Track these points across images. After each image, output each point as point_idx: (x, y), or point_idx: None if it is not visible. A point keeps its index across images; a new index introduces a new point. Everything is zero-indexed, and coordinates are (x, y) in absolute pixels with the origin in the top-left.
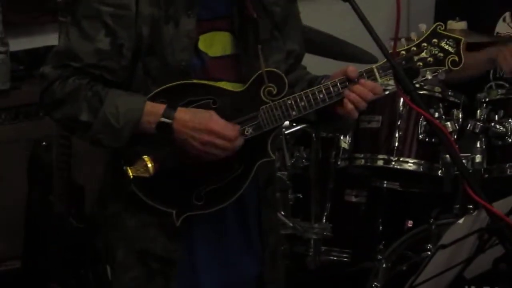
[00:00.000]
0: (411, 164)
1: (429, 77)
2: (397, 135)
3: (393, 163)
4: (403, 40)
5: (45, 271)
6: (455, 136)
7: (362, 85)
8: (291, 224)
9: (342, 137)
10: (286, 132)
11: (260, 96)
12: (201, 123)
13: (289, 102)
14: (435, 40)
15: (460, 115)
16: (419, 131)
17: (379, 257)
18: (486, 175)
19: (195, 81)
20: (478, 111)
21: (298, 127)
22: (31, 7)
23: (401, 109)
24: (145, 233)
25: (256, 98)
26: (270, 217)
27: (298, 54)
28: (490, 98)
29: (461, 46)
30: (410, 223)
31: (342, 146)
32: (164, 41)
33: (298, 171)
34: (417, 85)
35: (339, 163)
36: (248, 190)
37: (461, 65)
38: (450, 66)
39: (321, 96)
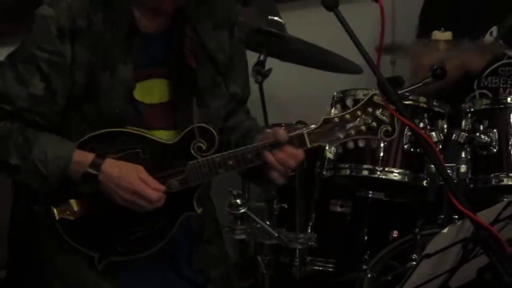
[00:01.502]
0: (396, 174)
1: (361, 145)
2: (382, 145)
3: (378, 173)
4: (338, 106)
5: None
6: (440, 146)
7: (284, 152)
8: (276, 234)
9: (327, 147)
10: None
11: (189, 150)
12: (126, 181)
13: (217, 160)
14: (369, 109)
15: (445, 125)
16: (404, 141)
17: (364, 267)
18: (471, 185)
19: (127, 129)
20: (463, 121)
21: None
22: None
23: None
24: (78, 272)
25: (185, 152)
26: (208, 253)
27: (240, 97)
28: (475, 108)
29: (395, 117)
30: (395, 233)
31: (327, 156)
32: (99, 88)
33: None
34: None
35: (324, 173)
36: (179, 234)
37: (394, 136)
38: (382, 136)
39: (249, 156)
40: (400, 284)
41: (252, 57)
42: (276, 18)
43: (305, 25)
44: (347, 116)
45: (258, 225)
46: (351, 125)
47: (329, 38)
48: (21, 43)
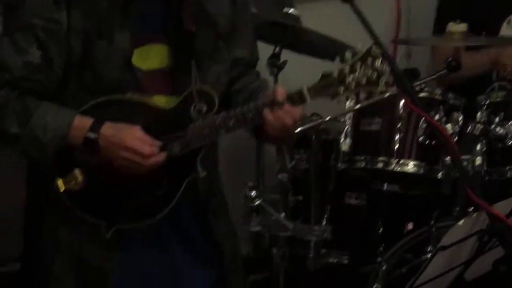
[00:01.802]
0: (411, 167)
1: (353, 99)
2: (397, 137)
3: (393, 165)
4: (337, 59)
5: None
6: (456, 139)
7: (284, 111)
8: (291, 227)
9: (342, 140)
10: None
11: (189, 114)
12: (120, 138)
13: (218, 121)
14: (369, 60)
15: (461, 118)
16: (419, 134)
17: (379, 259)
18: (486, 177)
19: (127, 96)
20: (479, 113)
21: (298, 130)
22: None
23: (401, 111)
24: (80, 243)
25: (185, 115)
26: (221, 225)
27: (248, 61)
28: (490, 100)
29: (395, 67)
30: (410, 226)
31: (342, 148)
32: (97, 57)
33: (298, 174)
34: (418, 88)
35: (339, 165)
36: (186, 203)
37: (394, 86)
38: (383, 88)
39: (250, 115)
40: (416, 276)
41: (267, 49)
42: (291, 10)
43: (320, 17)
44: (346, 69)
45: (273, 217)
46: (350, 78)
47: (344, 30)
48: (15, 11)
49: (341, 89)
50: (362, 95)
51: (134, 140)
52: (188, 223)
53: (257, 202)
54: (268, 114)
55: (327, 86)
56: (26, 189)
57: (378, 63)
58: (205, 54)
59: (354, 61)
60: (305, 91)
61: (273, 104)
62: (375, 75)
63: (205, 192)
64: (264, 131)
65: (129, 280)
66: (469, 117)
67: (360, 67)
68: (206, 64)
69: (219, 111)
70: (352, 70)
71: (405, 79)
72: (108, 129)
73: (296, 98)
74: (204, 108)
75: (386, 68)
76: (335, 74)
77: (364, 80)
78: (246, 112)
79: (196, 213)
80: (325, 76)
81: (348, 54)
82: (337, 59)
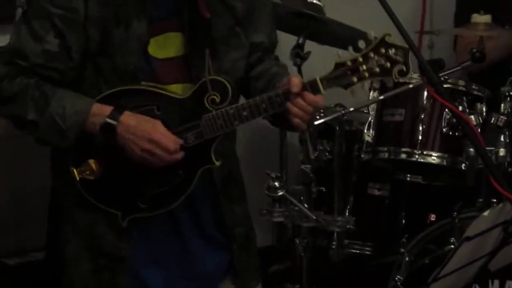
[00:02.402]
0: (435, 158)
1: (376, 86)
2: (420, 128)
3: (417, 156)
4: (350, 48)
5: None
6: (479, 130)
7: (303, 98)
8: (314, 217)
9: (366, 130)
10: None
11: (203, 104)
12: (144, 130)
13: (231, 111)
14: (382, 49)
15: (484, 109)
16: (443, 124)
17: (402, 250)
18: (510, 169)
19: (142, 85)
20: (502, 104)
21: (321, 120)
22: None
23: (424, 102)
24: (95, 230)
25: (199, 105)
26: (233, 212)
27: (267, 46)
28: None
29: (409, 56)
30: (433, 217)
31: (366, 139)
32: (114, 44)
33: (321, 165)
34: (442, 79)
35: (362, 156)
36: (201, 190)
37: (408, 75)
38: (397, 76)
39: (264, 106)
40: (440, 266)
41: (291, 40)
42: (314, 0)
43: (344, 7)
44: (360, 58)
45: (296, 208)
46: (364, 67)
47: (367, 21)
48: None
49: (355, 78)
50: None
51: (159, 134)
52: (201, 209)
53: (280, 193)
54: (288, 105)
55: (340, 76)
56: (51, 174)
57: (391, 52)
58: (221, 40)
59: (367, 50)
60: (318, 81)
61: (288, 94)
62: (388, 64)
63: (220, 180)
64: (283, 119)
65: (144, 266)
66: (493, 108)
67: (374, 56)
68: (222, 51)
69: (236, 99)
70: (366, 59)
71: (430, 70)
72: (129, 118)
73: (310, 88)
74: (218, 99)
75: (400, 57)
76: (349, 63)
77: (377, 70)
78: (260, 103)
79: (210, 199)
80: (339, 66)
81: (361, 43)
82: (351, 49)
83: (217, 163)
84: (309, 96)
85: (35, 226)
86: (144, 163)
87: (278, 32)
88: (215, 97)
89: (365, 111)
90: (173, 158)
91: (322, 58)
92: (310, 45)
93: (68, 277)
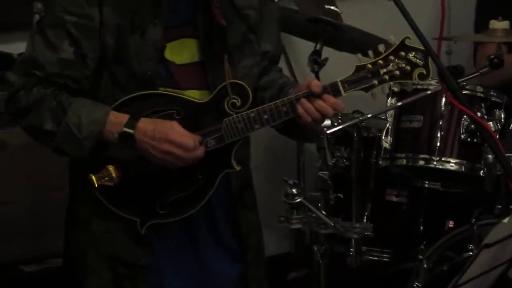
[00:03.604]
0: (453, 164)
1: (396, 90)
2: (438, 134)
3: (435, 163)
4: (370, 52)
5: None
6: (497, 136)
7: (324, 101)
8: (332, 224)
9: (383, 137)
10: (328, 132)
11: (224, 108)
12: (161, 132)
13: (252, 115)
14: (402, 52)
15: (502, 115)
16: (461, 131)
17: (420, 257)
18: None
19: (160, 90)
20: None
21: (339, 127)
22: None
23: (443, 108)
24: (112, 238)
25: (220, 109)
26: (248, 219)
27: (273, 55)
28: None
29: (429, 59)
30: (451, 224)
31: (383, 145)
32: (130, 51)
33: (339, 171)
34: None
35: (380, 162)
36: (218, 196)
37: (428, 78)
38: (417, 79)
39: (284, 109)
40: (460, 273)
41: (308, 46)
42: (332, 7)
43: (361, 14)
44: (380, 61)
45: (314, 215)
46: (384, 70)
47: (385, 27)
48: (47, 8)
49: (375, 81)
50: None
51: (176, 133)
52: (219, 216)
53: (298, 200)
54: (307, 105)
55: (361, 79)
56: (69, 182)
57: (411, 55)
58: (236, 47)
59: (388, 53)
60: (339, 84)
61: (309, 97)
62: (409, 67)
63: (237, 186)
64: (295, 126)
65: (162, 274)
66: (511, 115)
67: (394, 59)
68: (237, 58)
69: (252, 107)
70: (386, 62)
71: (449, 76)
72: (146, 123)
73: (331, 90)
74: (238, 102)
75: (420, 61)
76: (369, 66)
77: (398, 73)
78: (281, 106)
79: (227, 207)
80: (359, 69)
81: (381, 47)
82: (371, 52)
83: (237, 168)
84: (330, 98)
85: (54, 232)
86: (166, 166)
87: (296, 39)
88: (235, 100)
89: (383, 118)
90: (194, 155)
91: (340, 64)
92: (327, 52)
93: (87, 286)
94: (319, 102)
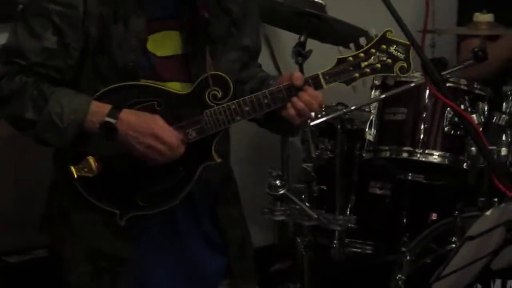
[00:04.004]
0: (436, 157)
1: (377, 83)
2: (422, 127)
3: (418, 155)
4: (351, 45)
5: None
6: (481, 129)
7: (308, 94)
8: (315, 216)
9: (367, 129)
10: (311, 123)
11: (204, 99)
12: (145, 126)
13: (233, 107)
14: (383, 46)
15: (486, 108)
16: (445, 123)
17: (403, 249)
18: (511, 168)
19: (142, 82)
20: (504, 103)
21: (323, 119)
22: None
23: (426, 101)
24: (93, 231)
25: (201, 101)
26: (229, 214)
27: (253, 51)
28: None
29: (410, 53)
30: (434, 216)
31: (367, 138)
32: (113, 41)
33: (322, 163)
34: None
35: (363, 155)
36: (199, 189)
37: (410, 71)
38: (398, 73)
39: (266, 101)
40: (443, 265)
41: (292, 38)
42: None
43: (345, 6)
44: (361, 54)
45: (298, 207)
46: (366, 63)
47: (369, 19)
48: None
49: (357, 74)
50: (391, 82)
51: (161, 129)
52: (200, 210)
53: (282, 191)
54: (294, 99)
55: (342, 71)
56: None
57: (393, 49)
58: (219, 40)
59: (369, 46)
60: (320, 76)
61: (290, 89)
62: (390, 60)
63: (217, 180)
64: (274, 119)
65: (144, 267)
66: (495, 108)
67: (375, 53)
68: (220, 51)
69: (233, 99)
70: (367, 55)
71: (433, 68)
72: (129, 115)
73: (312, 83)
74: (219, 94)
75: (401, 54)
76: (350, 59)
77: (379, 66)
78: (262, 98)
79: (208, 200)
80: (340, 61)
81: (362, 40)
82: (352, 45)
83: (218, 160)
84: (311, 90)
85: (37, 224)
86: (146, 159)
87: (280, 31)
88: (216, 92)
89: (367, 110)
90: (176, 153)
91: (324, 56)
92: (311, 44)
93: (67, 280)
94: (304, 95)
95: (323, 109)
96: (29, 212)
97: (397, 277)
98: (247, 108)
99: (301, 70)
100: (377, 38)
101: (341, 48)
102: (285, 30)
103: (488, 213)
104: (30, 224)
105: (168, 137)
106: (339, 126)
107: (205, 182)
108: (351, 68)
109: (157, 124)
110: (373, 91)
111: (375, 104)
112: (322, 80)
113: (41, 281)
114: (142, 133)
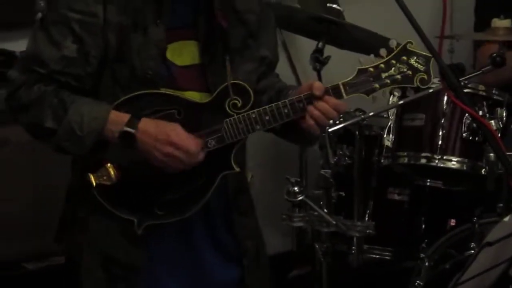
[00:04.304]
0: (455, 163)
1: (397, 94)
2: (440, 133)
3: (437, 161)
4: (372, 56)
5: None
6: (499, 135)
7: (326, 102)
8: (333, 222)
9: (385, 135)
10: (329, 130)
11: (225, 108)
12: (164, 134)
13: (253, 116)
14: (404, 57)
15: (504, 114)
16: (463, 129)
17: (422, 255)
18: None
19: (161, 90)
20: None
21: (341, 125)
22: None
23: (445, 107)
24: (109, 239)
25: (221, 110)
26: (245, 224)
27: (270, 61)
28: None
29: (430, 64)
30: (453, 222)
31: (385, 144)
32: (132, 50)
33: (341, 169)
34: (462, 83)
35: (382, 161)
36: (215, 199)
37: (430, 83)
38: (418, 84)
39: (286, 111)
40: (461, 272)
41: (310, 44)
42: (334, 5)
43: (363, 12)
44: (382, 65)
45: (316, 213)
46: (386, 74)
47: (387, 25)
48: (50, 5)
49: (377, 85)
50: (410, 93)
51: (179, 137)
52: (216, 220)
53: (300, 198)
54: (310, 108)
55: (362, 82)
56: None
57: (413, 60)
58: (236, 51)
59: (390, 57)
60: (341, 86)
61: (310, 99)
62: (410, 72)
63: (233, 190)
64: (292, 128)
65: (158, 277)
66: None
67: (396, 64)
68: (237, 62)
69: (252, 108)
70: (388, 66)
71: (451, 74)
72: (148, 124)
73: (333, 93)
74: (240, 103)
75: (421, 66)
76: (371, 69)
77: (399, 77)
78: (282, 107)
79: (224, 210)
80: (361, 72)
81: (383, 51)
82: (372, 56)
83: (237, 169)
84: (332, 100)
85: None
86: (165, 168)
87: (298, 37)
88: (236, 101)
89: (385, 116)
90: (195, 160)
91: (342, 62)
92: (329, 50)
93: (84, 286)
94: (323, 105)
95: (341, 115)
96: (48, 218)
97: (416, 283)
98: (267, 117)
99: (319, 77)
100: (398, 49)
101: (361, 58)
102: (303, 36)
103: (506, 219)
104: (48, 231)
105: (187, 145)
106: (357, 132)
107: (221, 192)
108: (371, 79)
109: (176, 132)
110: (391, 97)
111: (393, 110)
112: (342, 91)
113: None
114: (161, 141)
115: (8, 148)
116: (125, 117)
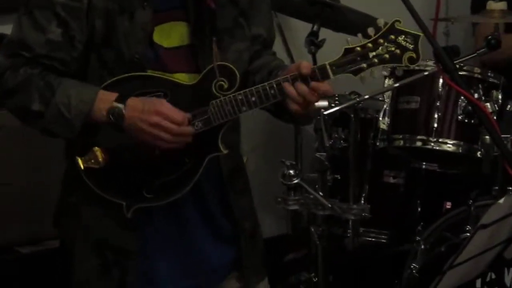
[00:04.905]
0: (450, 145)
1: (385, 73)
2: (436, 116)
3: (432, 144)
4: (359, 35)
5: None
6: (495, 118)
7: (313, 88)
8: (329, 205)
9: (381, 118)
10: (325, 113)
11: (211, 90)
12: (150, 104)
13: (240, 97)
14: (392, 36)
15: (500, 96)
16: (458, 112)
17: (418, 238)
18: None
19: (148, 73)
20: None
21: (336, 108)
22: None
23: (440, 89)
24: (101, 224)
25: (207, 92)
26: (241, 205)
27: (265, 39)
28: None
29: (419, 43)
30: (448, 205)
31: (381, 127)
32: (118, 33)
33: (336, 152)
34: (457, 66)
35: (377, 144)
36: (208, 182)
37: (418, 62)
38: (407, 63)
39: (272, 92)
40: (456, 254)
41: (305, 27)
42: None
43: None
44: (369, 44)
45: (311, 196)
46: (374, 53)
47: (382, 7)
48: None
49: (364, 65)
50: (399, 73)
51: (165, 106)
52: (211, 201)
53: (295, 181)
54: (290, 89)
55: (350, 62)
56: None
57: (401, 39)
58: (226, 31)
59: (377, 36)
60: (328, 67)
61: (298, 78)
62: (398, 51)
63: (228, 171)
64: (285, 109)
65: (151, 260)
66: (509, 96)
67: (383, 43)
68: (226, 42)
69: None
70: (375, 46)
71: (445, 57)
72: (135, 100)
73: (320, 74)
74: (226, 85)
75: (410, 44)
76: (358, 49)
77: (387, 56)
78: (269, 89)
79: (219, 192)
80: (348, 52)
81: (370, 30)
82: (360, 35)
83: (225, 151)
84: (315, 84)
85: (50, 215)
86: (154, 141)
87: (293, 20)
88: (223, 83)
89: (380, 99)
90: (182, 131)
91: (337, 45)
92: (325, 33)
93: (77, 273)
94: (303, 88)
95: (336, 98)
96: (41, 202)
97: (411, 266)
98: (253, 99)
99: (314, 60)
100: (386, 28)
101: (349, 38)
102: (298, 19)
103: (501, 201)
104: (42, 215)
105: (174, 113)
106: (352, 115)
107: (216, 173)
108: (358, 59)
109: (162, 104)
110: (387, 80)
111: (388, 93)
112: (329, 71)
113: (53, 272)
114: (148, 111)
115: (2, 132)
116: (113, 95)
